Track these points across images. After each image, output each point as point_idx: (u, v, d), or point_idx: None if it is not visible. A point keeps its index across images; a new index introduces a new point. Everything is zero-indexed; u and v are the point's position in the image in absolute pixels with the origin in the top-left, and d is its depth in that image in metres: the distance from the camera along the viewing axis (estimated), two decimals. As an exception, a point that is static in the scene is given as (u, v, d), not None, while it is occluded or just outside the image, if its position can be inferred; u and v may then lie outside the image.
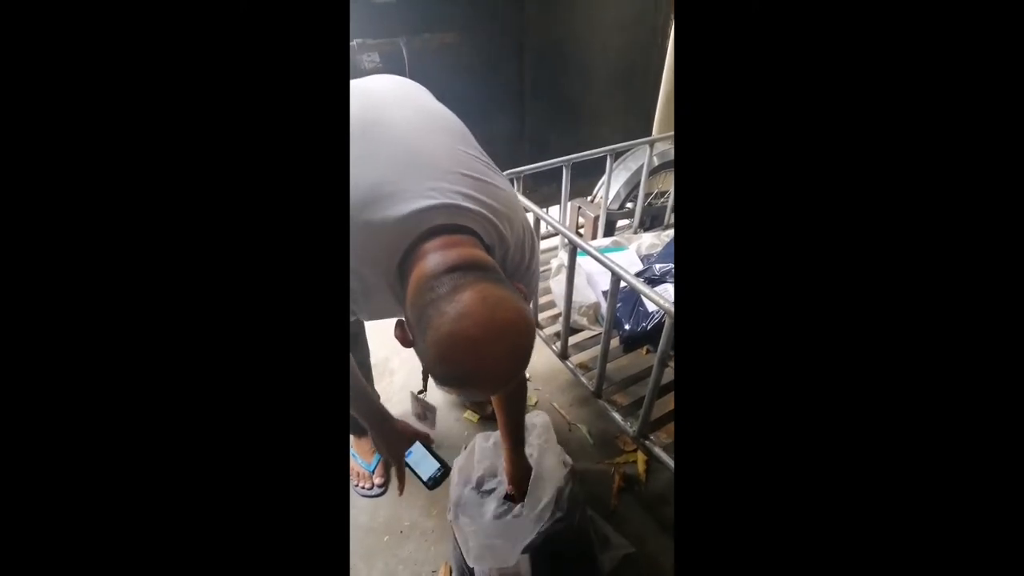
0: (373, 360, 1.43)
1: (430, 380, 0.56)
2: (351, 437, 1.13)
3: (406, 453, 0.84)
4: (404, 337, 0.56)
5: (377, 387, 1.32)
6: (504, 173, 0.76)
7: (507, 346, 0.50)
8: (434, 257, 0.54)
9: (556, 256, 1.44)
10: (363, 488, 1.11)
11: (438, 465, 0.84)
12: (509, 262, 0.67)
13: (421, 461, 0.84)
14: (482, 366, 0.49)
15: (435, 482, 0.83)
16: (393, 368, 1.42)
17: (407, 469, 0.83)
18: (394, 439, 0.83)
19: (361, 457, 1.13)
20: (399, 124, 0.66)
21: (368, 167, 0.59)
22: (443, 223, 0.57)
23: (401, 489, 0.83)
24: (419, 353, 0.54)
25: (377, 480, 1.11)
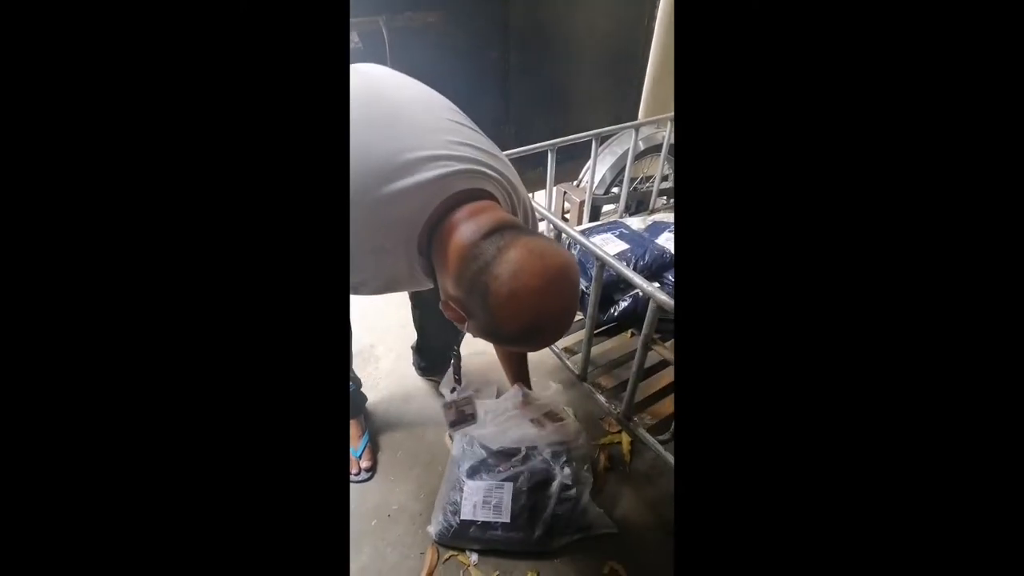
0: (358, 347, 1.43)
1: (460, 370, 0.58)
2: None
3: None
4: (457, 314, 0.56)
5: (363, 373, 1.32)
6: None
7: (566, 287, 0.51)
8: (467, 226, 0.54)
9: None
10: (350, 474, 1.12)
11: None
12: None
13: None
14: (549, 312, 0.51)
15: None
16: (379, 355, 1.42)
17: None
18: None
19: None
20: (402, 99, 0.66)
21: (379, 138, 0.57)
22: (466, 188, 0.57)
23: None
24: (478, 324, 0.54)
25: (364, 464, 1.12)
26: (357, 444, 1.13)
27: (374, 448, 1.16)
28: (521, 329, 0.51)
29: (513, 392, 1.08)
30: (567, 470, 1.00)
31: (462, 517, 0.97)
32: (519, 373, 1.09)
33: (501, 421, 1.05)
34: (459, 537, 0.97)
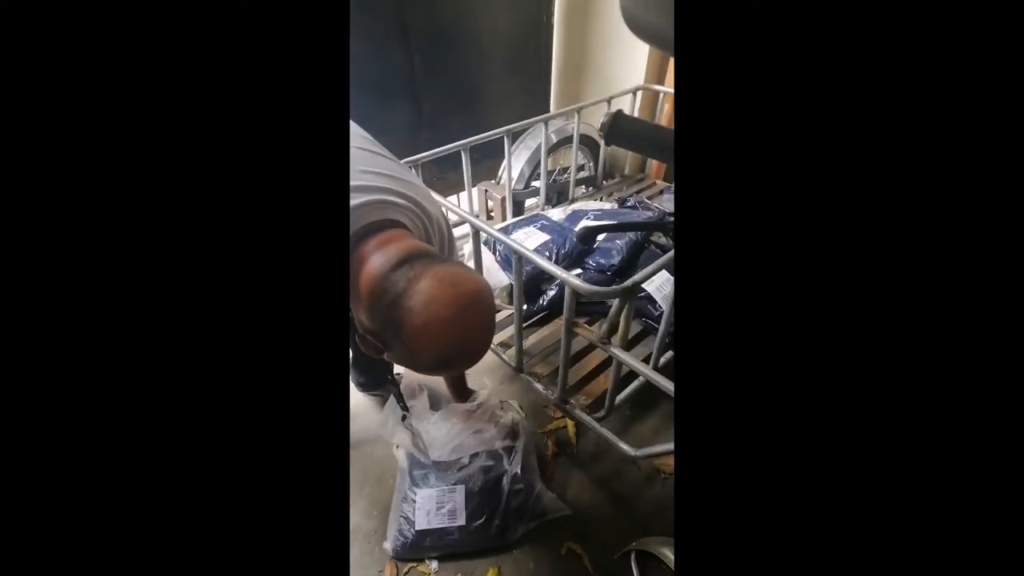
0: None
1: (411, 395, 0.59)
2: None
3: None
4: (373, 346, 0.55)
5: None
6: (403, 161, 0.76)
7: (480, 312, 0.52)
8: (377, 258, 0.54)
9: (468, 242, 1.46)
10: None
11: None
12: None
13: None
14: (464, 341, 0.51)
15: None
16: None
17: None
18: None
19: None
20: None
21: None
22: (375, 220, 0.57)
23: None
24: (395, 355, 0.54)
25: None
26: None
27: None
28: (438, 358, 0.52)
29: (453, 408, 1.10)
30: (515, 462, 1.03)
31: (417, 528, 0.97)
32: (460, 388, 1.13)
33: (446, 438, 1.06)
34: (417, 548, 0.97)
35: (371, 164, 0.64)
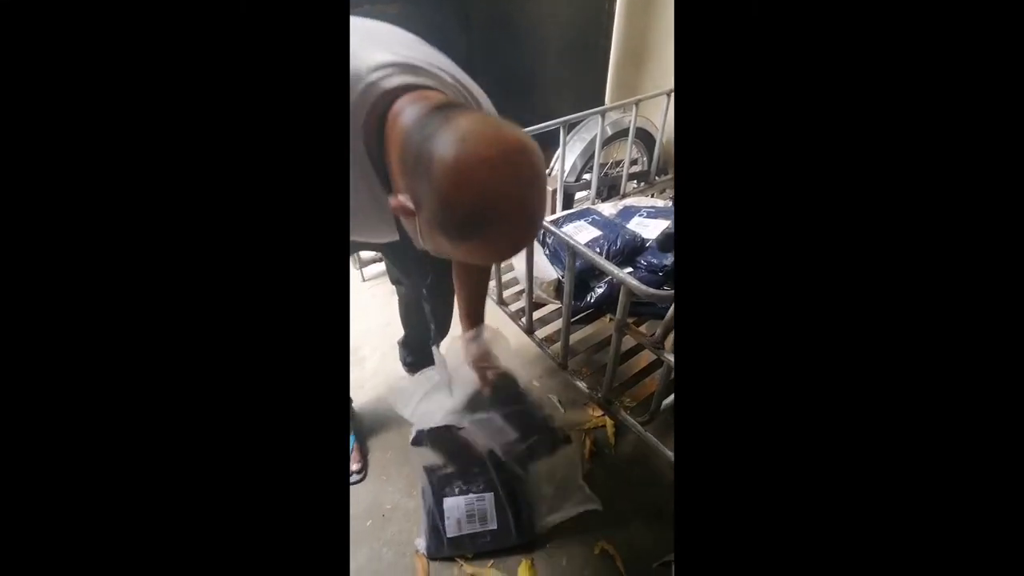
0: (341, 350, 1.43)
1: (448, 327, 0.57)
2: None
3: None
4: (405, 208, 0.47)
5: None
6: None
7: (524, 164, 0.43)
8: (411, 109, 0.48)
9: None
10: None
11: None
12: None
13: None
14: (503, 190, 0.42)
15: None
16: (364, 356, 1.42)
17: None
18: None
19: None
20: (365, 24, 0.62)
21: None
22: (407, 83, 0.52)
23: None
24: (425, 213, 0.45)
25: (354, 466, 1.13)
26: None
27: (363, 449, 1.17)
28: (471, 209, 0.42)
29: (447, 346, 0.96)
30: (539, 455, 0.99)
31: (448, 536, 0.97)
32: (473, 305, 0.86)
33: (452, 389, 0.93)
34: (451, 549, 0.97)
35: (412, 42, 0.59)
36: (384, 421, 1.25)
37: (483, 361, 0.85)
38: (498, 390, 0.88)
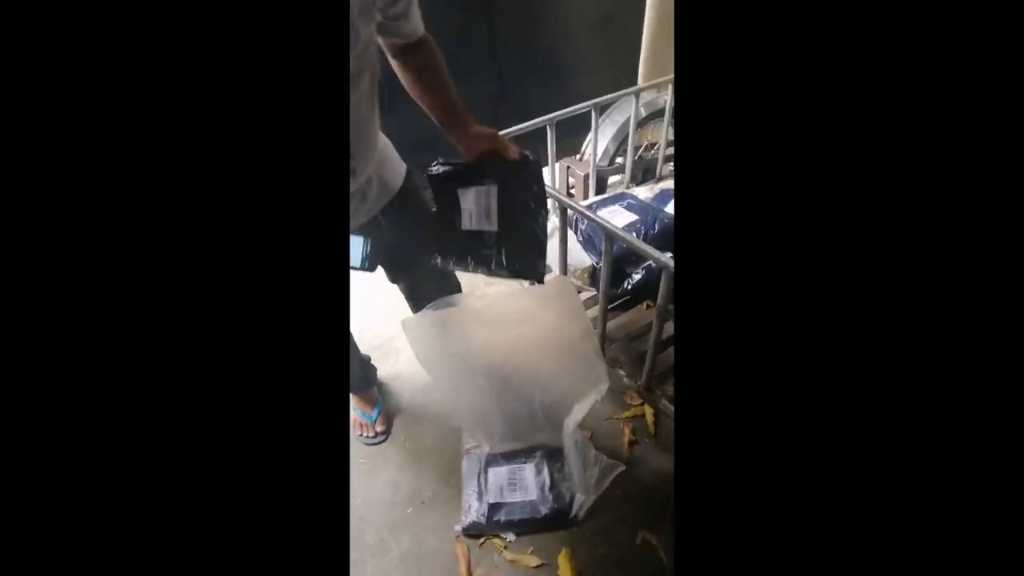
0: (379, 340, 1.45)
1: None
2: (352, 395, 1.21)
3: None
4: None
5: (384, 366, 1.34)
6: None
7: None
8: None
9: (549, 220, 1.43)
10: (366, 437, 1.19)
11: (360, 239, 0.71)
12: None
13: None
14: None
15: (368, 260, 0.71)
16: (398, 347, 1.43)
17: None
18: None
19: (362, 409, 1.21)
20: None
21: None
22: None
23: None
24: None
25: (379, 428, 1.19)
26: (371, 411, 1.21)
27: (388, 415, 1.23)
28: None
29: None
30: (576, 438, 1.03)
31: (490, 501, 1.00)
32: (452, 106, 0.76)
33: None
34: (489, 523, 0.99)
35: None
36: (420, 411, 1.26)
37: (496, 143, 0.75)
38: (521, 169, 0.75)
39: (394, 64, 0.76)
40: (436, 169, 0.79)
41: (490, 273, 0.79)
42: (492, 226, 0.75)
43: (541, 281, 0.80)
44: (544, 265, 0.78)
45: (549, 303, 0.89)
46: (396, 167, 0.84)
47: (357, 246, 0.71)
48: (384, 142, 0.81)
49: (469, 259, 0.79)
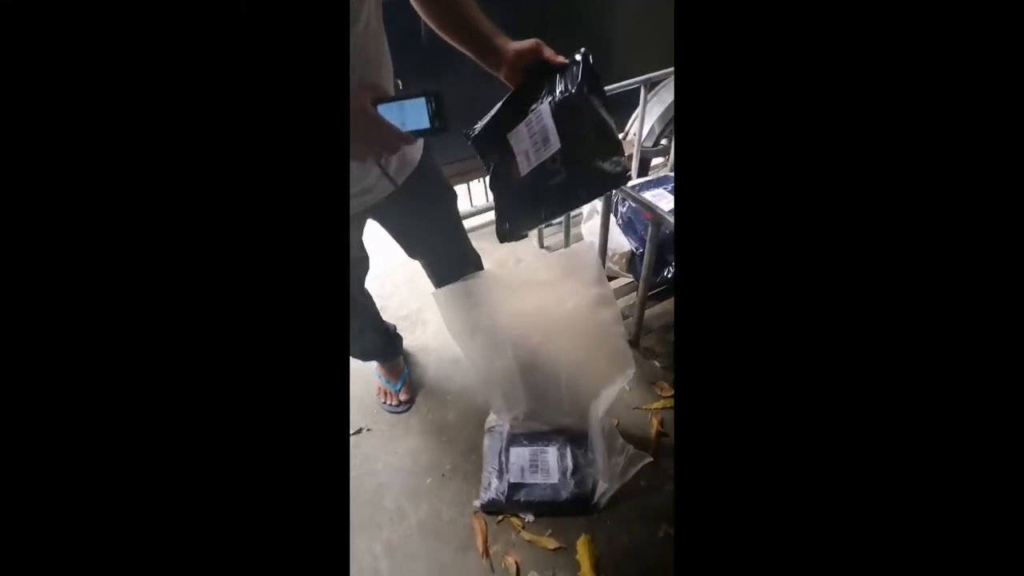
0: (406, 311, 1.45)
1: None
2: (377, 364, 1.21)
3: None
4: None
5: (410, 337, 1.35)
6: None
7: None
8: None
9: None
10: (390, 405, 1.20)
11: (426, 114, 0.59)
12: None
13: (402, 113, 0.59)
14: None
15: (436, 119, 0.59)
16: (426, 319, 1.43)
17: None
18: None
19: (386, 378, 1.21)
20: None
21: None
22: None
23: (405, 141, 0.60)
24: None
25: (403, 397, 1.19)
26: (396, 381, 1.22)
27: (412, 385, 1.24)
28: None
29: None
30: (601, 424, 1.01)
31: (511, 480, 0.99)
32: (478, 23, 0.69)
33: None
34: (508, 501, 0.99)
35: None
36: (445, 384, 1.26)
37: (539, 52, 0.66)
38: (573, 72, 0.65)
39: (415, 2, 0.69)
40: (476, 128, 0.71)
41: (566, 206, 0.69)
42: (553, 146, 0.63)
43: (625, 182, 0.66)
44: (624, 163, 0.64)
45: (575, 272, 0.85)
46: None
47: (419, 108, 0.59)
48: None
49: (541, 210, 0.68)
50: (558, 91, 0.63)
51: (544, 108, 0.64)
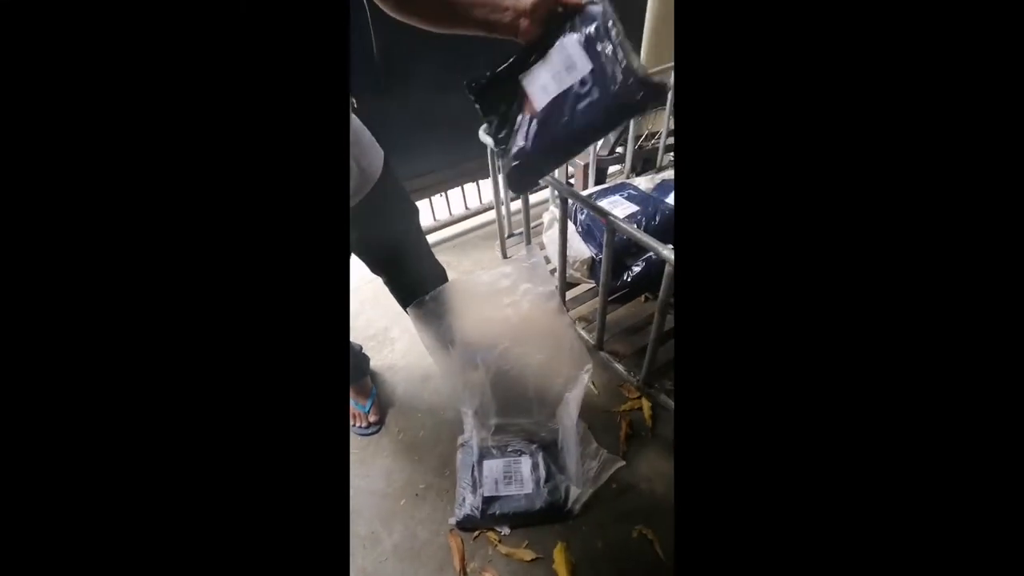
0: (373, 330, 1.43)
1: None
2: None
3: None
4: None
5: (378, 356, 1.33)
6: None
7: None
8: None
9: (548, 210, 1.40)
10: (360, 427, 1.18)
11: None
12: None
13: None
14: None
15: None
16: (394, 337, 1.41)
17: None
18: None
19: (354, 399, 1.20)
20: None
21: None
22: None
23: None
24: None
25: (372, 419, 1.18)
26: (365, 401, 1.20)
27: (381, 405, 1.22)
28: None
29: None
30: (574, 426, 1.01)
31: (485, 494, 0.99)
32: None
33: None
34: (484, 516, 0.98)
35: None
36: (415, 402, 1.24)
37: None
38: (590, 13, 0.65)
39: None
40: (483, 78, 0.67)
41: (593, 133, 0.67)
42: (582, 69, 0.63)
43: (666, 92, 0.66)
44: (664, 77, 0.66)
45: (527, 273, 0.87)
46: (374, 152, 0.79)
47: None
48: (359, 127, 0.76)
49: (560, 147, 0.67)
50: (581, 25, 0.63)
51: (568, 39, 0.64)
